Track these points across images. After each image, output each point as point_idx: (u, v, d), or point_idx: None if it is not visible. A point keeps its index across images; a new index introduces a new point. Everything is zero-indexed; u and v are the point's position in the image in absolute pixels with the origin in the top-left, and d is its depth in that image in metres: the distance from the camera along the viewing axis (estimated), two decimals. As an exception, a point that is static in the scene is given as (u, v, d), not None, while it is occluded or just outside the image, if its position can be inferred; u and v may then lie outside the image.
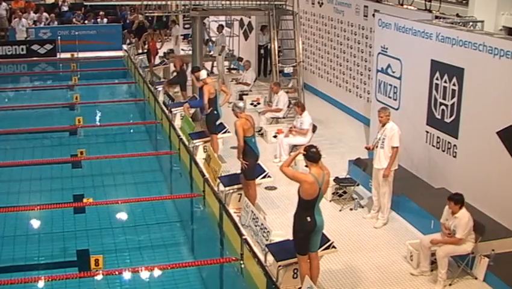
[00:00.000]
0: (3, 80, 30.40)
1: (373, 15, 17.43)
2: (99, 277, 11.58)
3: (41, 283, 11.48)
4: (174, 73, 22.95)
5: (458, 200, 10.80)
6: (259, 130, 18.09)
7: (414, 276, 11.18)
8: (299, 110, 16.60)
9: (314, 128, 16.95)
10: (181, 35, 34.37)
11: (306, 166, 10.07)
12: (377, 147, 12.85)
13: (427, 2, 16.53)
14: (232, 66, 26.21)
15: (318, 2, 22.45)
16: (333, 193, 14.17)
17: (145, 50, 27.35)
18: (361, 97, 19.84)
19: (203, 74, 17.30)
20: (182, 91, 21.58)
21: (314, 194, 9.76)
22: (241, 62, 26.45)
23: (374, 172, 13.02)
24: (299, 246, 10.12)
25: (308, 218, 9.84)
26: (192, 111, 19.18)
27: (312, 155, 9.87)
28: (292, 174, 10.09)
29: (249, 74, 23.12)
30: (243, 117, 13.35)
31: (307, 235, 9.95)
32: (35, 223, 14.40)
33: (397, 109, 14.99)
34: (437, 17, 15.46)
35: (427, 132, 13.92)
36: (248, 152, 13.22)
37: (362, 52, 19.58)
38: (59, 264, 12.37)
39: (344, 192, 13.81)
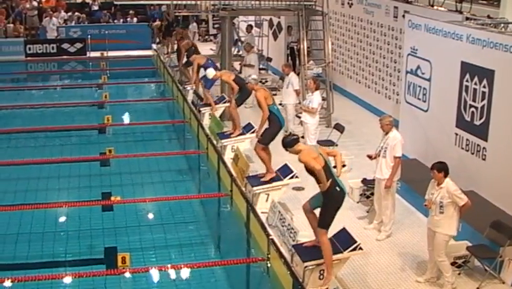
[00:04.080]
0: (33, 79, 30.76)
1: (403, 16, 17.35)
2: (126, 275, 11.62)
3: (68, 280, 11.53)
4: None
5: (440, 167, 10.59)
6: (286, 131, 18.05)
7: (419, 282, 11.06)
8: (313, 87, 16.43)
9: (342, 128, 16.89)
10: (210, 34, 34.68)
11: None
12: (379, 156, 12.67)
13: (458, 3, 16.43)
14: (261, 66, 26.15)
15: (348, 3, 22.38)
16: (360, 194, 14.14)
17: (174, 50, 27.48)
18: (389, 98, 19.75)
19: (210, 73, 17.58)
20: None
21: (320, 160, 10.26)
22: (270, 62, 26.47)
23: (376, 182, 12.83)
24: (329, 221, 10.40)
25: (337, 188, 10.27)
26: (220, 111, 19.26)
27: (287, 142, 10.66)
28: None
29: (252, 56, 22.84)
30: (258, 88, 13.72)
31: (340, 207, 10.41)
32: (63, 220, 14.48)
33: (426, 111, 14.90)
34: (467, 18, 15.35)
35: (456, 134, 13.80)
36: (272, 119, 13.95)
37: (392, 53, 19.49)
38: (87, 261, 12.44)
39: (372, 193, 13.74)
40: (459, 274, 11.06)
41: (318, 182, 10.35)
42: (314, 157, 10.32)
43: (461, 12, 16.14)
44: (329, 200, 10.39)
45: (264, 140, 14.12)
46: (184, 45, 23.79)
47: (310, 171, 10.41)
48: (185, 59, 23.47)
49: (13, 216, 14.14)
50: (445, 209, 10.48)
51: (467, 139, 13.47)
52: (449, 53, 14.03)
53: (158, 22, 31.56)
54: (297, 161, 15.75)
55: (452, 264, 10.94)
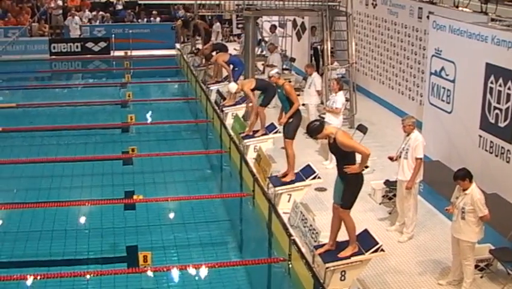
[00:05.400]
0: (57, 77, 30.97)
1: (428, 17, 17.25)
2: (147, 273, 11.66)
3: (90, 278, 11.61)
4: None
5: (463, 175, 10.49)
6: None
7: (441, 285, 10.97)
8: (336, 87, 16.37)
9: (365, 129, 16.84)
10: (234, 34, 34.75)
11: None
12: (400, 157, 12.57)
13: (483, 4, 16.28)
14: (284, 66, 26.11)
15: (372, 3, 22.30)
16: (383, 196, 14.09)
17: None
18: (413, 99, 19.65)
19: (232, 87, 17.67)
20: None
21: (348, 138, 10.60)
22: (293, 62, 26.44)
23: (398, 184, 12.75)
24: (353, 201, 10.56)
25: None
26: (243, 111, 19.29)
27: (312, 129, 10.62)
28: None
29: (275, 56, 22.77)
30: (283, 82, 14.66)
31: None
32: (86, 218, 14.56)
33: (450, 112, 14.81)
34: (492, 20, 15.21)
35: (480, 136, 13.70)
36: (295, 113, 14.25)
37: (416, 54, 19.40)
38: (109, 259, 12.50)
39: (394, 195, 13.67)
40: (481, 277, 10.98)
41: (348, 162, 10.51)
42: (349, 137, 10.59)
43: (486, 14, 15.99)
44: (357, 181, 10.54)
45: (290, 134, 14.23)
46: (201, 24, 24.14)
47: (341, 151, 10.50)
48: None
49: (37, 213, 14.26)
50: (466, 215, 10.40)
51: (491, 142, 13.36)
52: (473, 55, 13.93)
53: (179, 22, 31.61)
54: (319, 162, 15.86)
55: (475, 267, 10.86)
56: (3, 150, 18.76)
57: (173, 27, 32.92)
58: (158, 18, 35.50)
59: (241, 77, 21.21)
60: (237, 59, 21.23)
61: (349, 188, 10.53)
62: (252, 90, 17.07)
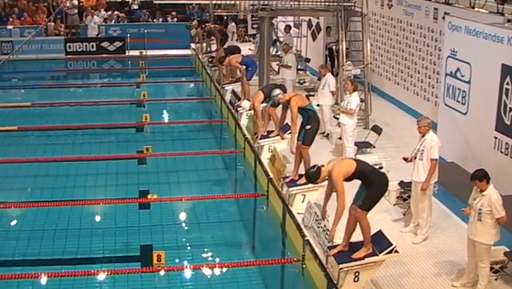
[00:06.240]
0: (73, 76, 31.08)
1: (443, 17, 17.18)
2: (161, 273, 11.67)
3: (104, 277, 11.64)
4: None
5: (481, 176, 10.42)
6: (323, 132, 18.02)
7: (455, 287, 10.92)
8: (351, 88, 16.33)
9: (379, 130, 16.80)
10: (249, 34, 34.79)
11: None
12: (415, 158, 12.53)
13: (499, 5, 16.20)
14: (299, 67, 26.09)
15: (388, 4, 22.25)
16: (397, 197, 14.04)
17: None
18: (428, 100, 19.59)
19: (246, 105, 17.68)
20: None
21: (348, 170, 10.61)
22: (308, 62, 26.42)
23: (413, 185, 12.69)
24: (374, 204, 10.68)
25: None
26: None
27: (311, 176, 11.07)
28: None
29: (290, 57, 22.77)
30: (289, 96, 14.62)
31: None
32: (100, 217, 14.61)
33: (465, 114, 14.75)
34: (509, 21, 15.13)
35: (495, 137, 13.63)
36: (313, 117, 14.22)
37: (431, 55, 19.33)
38: (123, 258, 12.54)
39: (409, 196, 13.63)
40: (496, 279, 10.92)
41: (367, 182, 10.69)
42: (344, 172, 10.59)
43: (502, 14, 15.91)
44: (381, 186, 10.68)
45: (308, 140, 14.15)
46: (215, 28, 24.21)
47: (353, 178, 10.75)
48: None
49: (51, 212, 14.31)
50: (483, 217, 10.34)
51: (506, 143, 13.29)
52: (489, 56, 13.86)
53: (195, 22, 31.67)
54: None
55: (489, 269, 10.81)
56: (19, 149, 18.84)
57: (188, 26, 32.97)
58: (174, 19, 35.57)
59: (255, 77, 21.28)
60: (249, 59, 21.26)
61: (372, 192, 10.59)
62: (263, 101, 17.06)
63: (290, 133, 16.29)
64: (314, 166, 11.11)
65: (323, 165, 10.96)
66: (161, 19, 35.56)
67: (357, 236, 10.81)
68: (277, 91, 15.15)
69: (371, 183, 10.56)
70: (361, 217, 10.57)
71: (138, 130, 20.84)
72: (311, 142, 14.25)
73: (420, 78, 20.18)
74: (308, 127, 14.15)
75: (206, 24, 30.30)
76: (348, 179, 10.68)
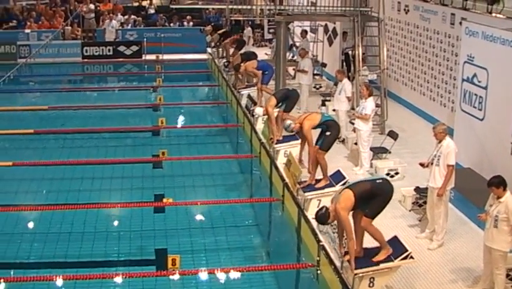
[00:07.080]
0: (90, 80, 31.20)
1: (460, 23, 17.11)
2: (176, 276, 11.67)
3: (118, 280, 11.66)
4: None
5: (498, 182, 10.35)
6: (339, 137, 17.97)
7: None
8: (366, 93, 16.25)
9: (395, 135, 16.76)
10: (265, 39, 34.82)
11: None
12: (432, 164, 12.48)
13: (517, 11, 16.13)
14: (315, 72, 26.09)
15: (404, 9, 22.19)
16: (413, 203, 14.00)
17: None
18: (445, 106, 19.51)
19: (259, 111, 17.68)
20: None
21: (350, 204, 10.44)
22: (324, 67, 26.39)
23: (429, 191, 12.64)
24: (378, 213, 10.62)
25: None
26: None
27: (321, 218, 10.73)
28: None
29: (306, 62, 22.71)
30: (300, 120, 14.41)
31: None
32: (116, 221, 14.64)
33: (482, 119, 14.68)
34: (526, 26, 15.08)
35: (512, 143, 13.59)
36: (332, 125, 14.24)
37: (448, 61, 19.26)
38: (137, 261, 12.56)
39: (425, 202, 13.58)
40: (512, 286, 10.88)
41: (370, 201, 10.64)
42: (347, 206, 10.45)
43: (520, 20, 15.87)
44: (386, 196, 10.62)
45: (326, 146, 14.13)
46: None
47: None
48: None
49: (67, 215, 14.35)
50: (499, 223, 10.29)
51: (523, 150, 13.24)
52: (506, 61, 13.80)
53: (209, 27, 31.70)
54: (349, 168, 15.83)
55: (505, 276, 10.74)
56: (35, 152, 18.93)
57: (201, 30, 33.01)
58: (190, 23, 35.65)
59: (272, 81, 21.29)
60: (265, 64, 21.31)
61: (377, 201, 10.55)
62: (276, 106, 17.09)
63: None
64: (322, 208, 10.90)
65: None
66: (177, 24, 35.64)
67: (369, 242, 10.77)
68: (287, 122, 14.98)
69: (375, 196, 10.54)
70: (366, 225, 10.54)
71: (154, 134, 20.89)
72: (329, 148, 14.22)
73: (436, 84, 20.11)
74: (327, 133, 14.16)
75: (221, 29, 30.32)
76: (353, 208, 10.60)
